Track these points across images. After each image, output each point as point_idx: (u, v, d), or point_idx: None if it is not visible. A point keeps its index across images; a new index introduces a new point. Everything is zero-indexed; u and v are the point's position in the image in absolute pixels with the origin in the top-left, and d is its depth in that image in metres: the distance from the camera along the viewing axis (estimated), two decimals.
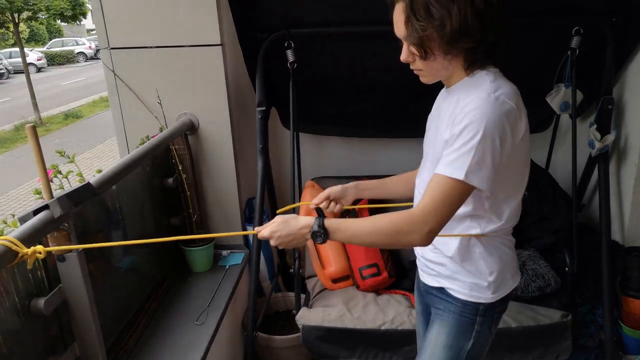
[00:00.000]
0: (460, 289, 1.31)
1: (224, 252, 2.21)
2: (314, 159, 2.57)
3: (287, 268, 2.55)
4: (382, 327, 1.92)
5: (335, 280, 2.22)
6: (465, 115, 1.06)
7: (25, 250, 1.04)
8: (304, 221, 1.17)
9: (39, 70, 21.26)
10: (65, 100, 14.49)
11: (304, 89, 2.11)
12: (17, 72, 19.09)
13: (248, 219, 2.31)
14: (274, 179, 2.50)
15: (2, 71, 19.05)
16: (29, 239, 1.08)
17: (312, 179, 2.48)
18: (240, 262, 2.16)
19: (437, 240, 1.29)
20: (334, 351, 1.96)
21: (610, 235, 2.01)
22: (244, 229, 2.26)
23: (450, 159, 1.08)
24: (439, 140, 1.17)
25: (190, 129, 2.07)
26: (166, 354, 1.61)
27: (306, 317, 1.98)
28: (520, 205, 1.26)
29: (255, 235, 2.10)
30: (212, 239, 2.10)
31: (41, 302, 1.20)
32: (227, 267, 2.12)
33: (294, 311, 2.08)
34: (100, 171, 1.65)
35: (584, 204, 2.30)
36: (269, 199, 2.42)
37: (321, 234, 1.14)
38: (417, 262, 1.47)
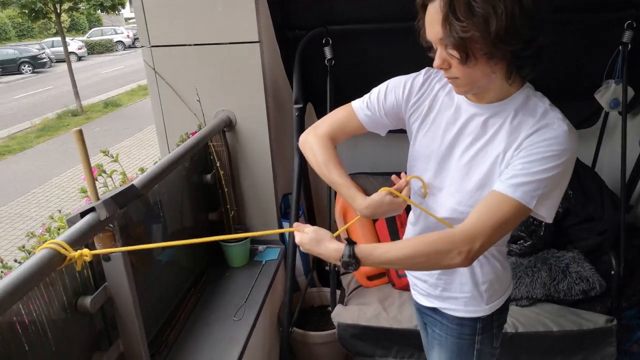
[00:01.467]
0: (455, 306, 1.27)
1: (260, 248, 2.23)
2: (350, 155, 2.55)
3: (322, 263, 2.55)
4: (418, 327, 1.90)
5: (370, 278, 2.21)
6: (551, 140, 0.98)
7: (73, 253, 1.07)
8: (334, 247, 1.09)
9: (79, 59, 21.88)
10: (105, 89, 14.88)
11: (340, 85, 2.09)
12: (59, 60, 19.70)
13: (284, 215, 2.32)
14: (309, 175, 2.50)
15: (45, 60, 19.66)
16: (76, 242, 1.11)
17: (348, 175, 2.46)
18: (277, 258, 2.18)
19: None
20: (369, 350, 1.97)
21: None
22: (280, 225, 2.27)
23: (520, 181, 0.98)
24: (486, 167, 1.08)
25: (227, 126, 2.08)
26: (205, 349, 1.64)
27: (342, 314, 1.99)
28: None
29: (291, 234, 2.13)
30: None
31: (87, 300, 1.24)
32: (264, 262, 2.14)
33: (330, 308, 2.09)
34: (142, 170, 1.69)
35: (632, 205, 2.21)
36: (304, 196, 2.42)
37: (352, 264, 1.06)
38: (408, 278, 1.42)
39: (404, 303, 2.03)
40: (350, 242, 1.10)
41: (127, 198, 1.27)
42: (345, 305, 2.08)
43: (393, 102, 1.25)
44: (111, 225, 1.27)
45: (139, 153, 8.88)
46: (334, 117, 1.34)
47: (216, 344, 1.67)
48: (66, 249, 1.07)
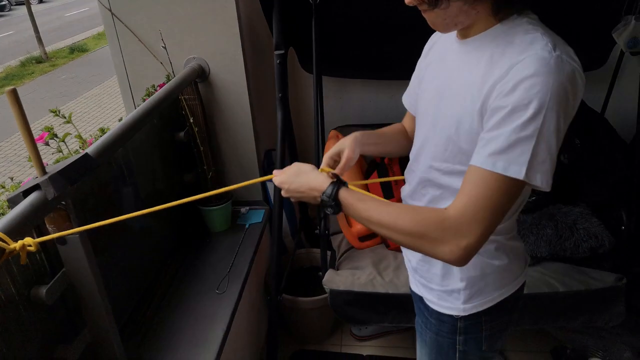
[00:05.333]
0: (431, 296, 1.12)
1: (243, 210, 2.05)
2: (337, 106, 2.34)
3: (310, 223, 2.39)
4: None
5: (362, 239, 2.06)
6: (516, 85, 0.77)
7: (13, 245, 0.88)
8: (317, 181, 0.98)
9: (40, 1, 20.55)
10: (69, 33, 14.06)
11: (326, 27, 1.84)
12: (18, 3, 18.50)
13: (267, 173, 2.13)
14: (294, 129, 2.28)
15: (3, 3, 18.40)
16: (18, 228, 0.92)
17: (336, 128, 2.26)
18: (261, 220, 2.00)
19: None
20: (363, 316, 1.84)
21: None
22: (263, 184, 2.08)
23: (499, 147, 0.78)
24: (452, 106, 0.91)
25: (200, 76, 1.84)
26: (187, 327, 1.49)
27: (334, 280, 1.84)
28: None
29: (276, 192, 1.94)
30: (230, 196, 1.93)
31: (42, 290, 1.06)
32: (247, 226, 1.97)
33: (320, 273, 1.95)
34: (103, 130, 1.46)
35: None
36: (289, 152, 2.22)
37: (332, 205, 0.95)
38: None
39: (400, 266, 1.89)
40: (340, 181, 0.97)
41: (79, 171, 1.06)
42: (337, 269, 1.93)
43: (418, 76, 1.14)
44: (63, 203, 1.06)
45: (110, 102, 8.45)
46: None
47: (199, 321, 1.52)
48: (5, 241, 0.88)
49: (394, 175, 2.02)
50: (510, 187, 0.80)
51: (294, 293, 2.09)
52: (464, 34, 0.91)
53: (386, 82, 2.31)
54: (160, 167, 1.75)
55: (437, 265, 1.07)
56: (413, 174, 1.08)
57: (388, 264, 1.91)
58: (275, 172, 1.09)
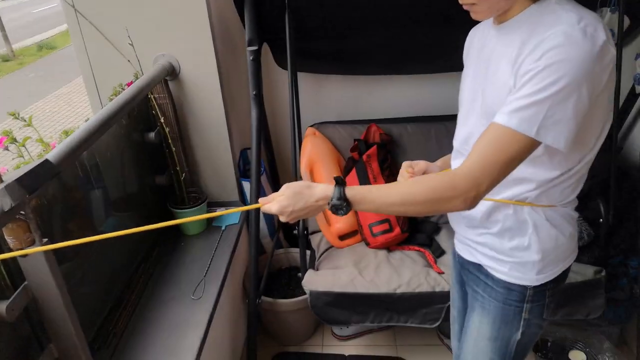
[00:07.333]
0: (501, 267, 1.12)
1: (219, 211, 1.99)
2: (313, 102, 2.28)
3: (290, 225, 2.34)
4: (398, 291, 1.75)
5: (342, 237, 2.03)
6: (542, 55, 0.83)
7: None
8: (320, 192, 0.99)
9: None
10: (37, 30, 13.64)
11: (300, 21, 1.79)
12: None
13: (243, 173, 2.07)
14: (269, 127, 2.22)
15: None
16: None
17: (313, 125, 2.21)
18: (238, 221, 1.95)
19: (480, 217, 1.10)
20: (344, 317, 1.81)
21: None
22: (239, 184, 2.02)
23: (515, 106, 0.86)
24: (495, 87, 0.95)
25: (170, 74, 1.77)
26: (161, 336, 1.44)
27: (313, 281, 1.80)
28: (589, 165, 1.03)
29: (253, 193, 1.89)
30: (205, 198, 1.88)
31: (2, 307, 0.99)
32: (223, 227, 1.92)
33: (300, 274, 1.90)
34: (67, 133, 1.39)
35: (620, 147, 2.06)
36: (265, 151, 2.17)
37: (343, 207, 0.96)
38: (451, 223, 1.27)
39: (380, 264, 1.86)
40: (339, 182, 0.98)
41: (38, 179, 0.99)
42: (317, 269, 1.90)
43: None
44: (22, 213, 1.00)
45: (81, 100, 8.22)
46: None
47: (174, 329, 1.46)
48: None
49: (372, 172, 1.98)
50: (521, 144, 0.87)
51: (273, 295, 2.04)
52: (501, 18, 0.97)
53: (364, 78, 2.27)
54: (130, 169, 1.68)
55: (513, 240, 1.08)
56: (463, 157, 1.09)
57: (368, 263, 1.88)
58: (261, 200, 1.04)
